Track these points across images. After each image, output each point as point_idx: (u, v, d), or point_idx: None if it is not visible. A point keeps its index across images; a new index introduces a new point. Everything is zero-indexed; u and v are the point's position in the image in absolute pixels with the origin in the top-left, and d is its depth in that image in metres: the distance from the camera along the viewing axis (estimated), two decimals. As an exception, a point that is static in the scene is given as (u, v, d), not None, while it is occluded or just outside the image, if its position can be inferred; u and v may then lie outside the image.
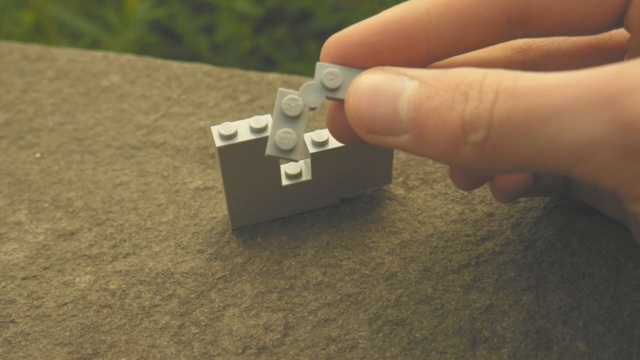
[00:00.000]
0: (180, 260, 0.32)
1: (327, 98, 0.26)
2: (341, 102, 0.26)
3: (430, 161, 0.36)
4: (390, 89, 0.23)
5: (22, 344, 0.30)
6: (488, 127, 0.21)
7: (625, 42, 0.28)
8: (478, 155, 0.22)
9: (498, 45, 0.29)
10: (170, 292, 0.31)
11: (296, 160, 0.26)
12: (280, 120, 0.26)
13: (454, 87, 0.22)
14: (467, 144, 0.22)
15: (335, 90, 0.26)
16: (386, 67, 0.24)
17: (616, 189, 0.21)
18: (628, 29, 0.25)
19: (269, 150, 0.26)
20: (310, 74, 0.57)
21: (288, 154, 0.26)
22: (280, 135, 0.26)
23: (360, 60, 0.26)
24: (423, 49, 0.26)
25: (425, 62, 0.26)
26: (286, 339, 0.29)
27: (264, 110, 0.39)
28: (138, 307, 0.31)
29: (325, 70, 0.26)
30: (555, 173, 0.22)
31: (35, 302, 0.31)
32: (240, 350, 0.29)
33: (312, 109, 0.26)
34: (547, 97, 0.21)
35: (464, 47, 0.26)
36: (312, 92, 0.26)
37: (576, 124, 0.20)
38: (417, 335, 0.29)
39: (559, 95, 0.21)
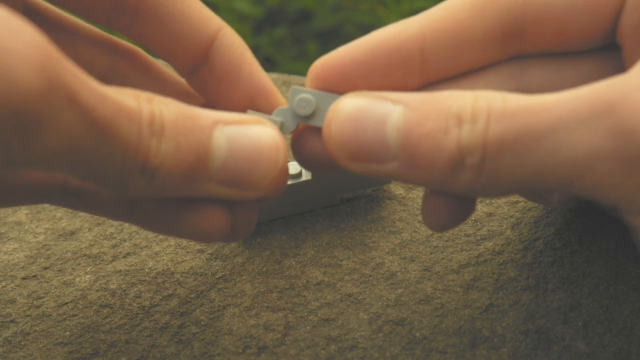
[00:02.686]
0: (180, 260, 0.32)
1: (303, 124, 0.25)
2: (317, 129, 0.25)
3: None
4: (375, 114, 0.22)
5: (22, 343, 0.30)
6: (483, 150, 0.21)
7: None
8: (474, 180, 0.22)
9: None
10: (170, 292, 0.31)
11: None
12: (293, 117, 0.25)
13: (446, 111, 0.22)
14: (464, 168, 0.22)
15: (309, 117, 0.25)
16: (365, 92, 0.23)
17: (617, 203, 0.21)
18: (620, 42, 0.25)
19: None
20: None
21: (309, 120, 0.25)
22: (298, 102, 0.25)
23: (350, 83, 0.25)
24: (417, 69, 0.25)
25: (419, 85, 0.25)
26: (286, 339, 0.29)
27: (264, 110, 0.39)
28: (138, 307, 0.31)
29: (297, 96, 0.25)
30: (554, 190, 0.22)
31: (35, 302, 0.31)
32: (240, 350, 0.29)
33: (288, 133, 0.26)
34: (541, 115, 0.20)
35: (460, 64, 0.25)
36: (286, 117, 0.25)
37: (572, 138, 0.20)
38: (417, 334, 0.29)
39: (553, 112, 0.20)
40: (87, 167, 0.21)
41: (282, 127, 0.25)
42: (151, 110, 0.21)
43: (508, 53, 0.26)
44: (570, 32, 0.25)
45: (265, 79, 0.27)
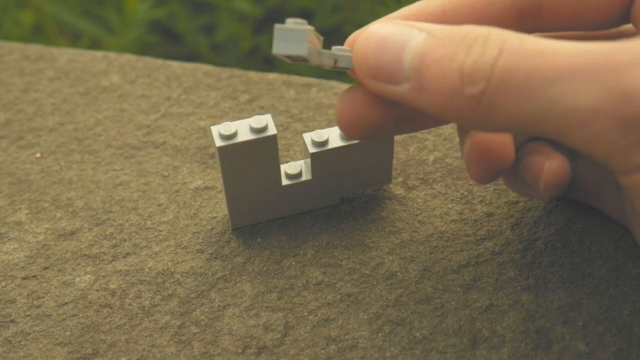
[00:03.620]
0: (180, 260, 0.32)
1: (333, 67, 0.26)
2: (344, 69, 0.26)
3: (430, 161, 0.36)
4: (398, 39, 0.24)
5: (22, 343, 0.30)
6: (487, 81, 0.22)
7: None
8: (473, 109, 0.22)
9: None
10: (170, 292, 0.31)
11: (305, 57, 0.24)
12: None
13: (458, 40, 0.23)
14: (462, 96, 0.22)
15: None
16: (398, 20, 0.25)
17: (608, 159, 0.22)
18: (634, 23, 0.26)
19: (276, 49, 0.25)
20: (310, 73, 0.57)
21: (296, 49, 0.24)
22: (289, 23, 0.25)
23: None
24: None
25: None
26: (286, 339, 0.29)
27: (264, 110, 0.39)
28: (138, 307, 0.31)
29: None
30: (548, 137, 0.23)
31: (35, 302, 0.31)
32: (240, 350, 0.29)
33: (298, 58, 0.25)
34: (552, 60, 0.21)
35: None
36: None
37: (577, 90, 0.21)
38: (417, 335, 0.29)
39: (564, 60, 0.21)
40: None
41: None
42: None
43: (526, 30, 0.26)
44: (585, 12, 0.26)
45: None
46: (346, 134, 0.27)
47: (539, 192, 0.29)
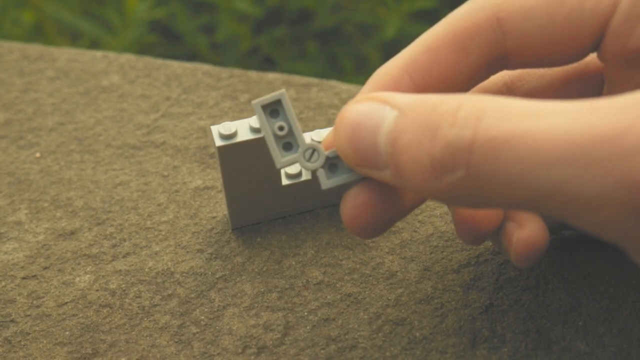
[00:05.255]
0: (180, 260, 0.32)
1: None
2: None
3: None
4: (371, 121, 0.22)
5: (22, 343, 0.30)
6: (466, 168, 0.20)
7: (602, 67, 0.27)
8: (457, 195, 0.21)
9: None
10: (170, 292, 0.31)
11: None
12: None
13: (425, 120, 0.21)
14: (441, 183, 0.21)
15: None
16: (373, 94, 0.23)
17: (621, 243, 0.20)
18: (602, 61, 0.25)
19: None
20: (310, 73, 0.57)
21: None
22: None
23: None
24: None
25: None
26: (286, 339, 0.29)
27: (264, 110, 0.39)
28: (138, 307, 0.31)
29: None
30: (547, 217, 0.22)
31: (35, 302, 0.31)
32: (240, 350, 0.29)
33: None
34: (546, 142, 0.19)
35: (449, 91, 0.25)
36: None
37: (581, 176, 0.19)
38: (417, 334, 0.29)
39: (560, 140, 0.19)
40: None
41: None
42: None
43: (494, 72, 0.26)
44: (551, 55, 0.25)
45: None
46: (361, 236, 0.26)
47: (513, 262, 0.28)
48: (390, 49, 0.77)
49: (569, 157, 0.19)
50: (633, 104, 0.19)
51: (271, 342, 0.29)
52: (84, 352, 0.29)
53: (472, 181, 0.20)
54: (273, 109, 0.24)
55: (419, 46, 0.25)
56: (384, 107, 0.22)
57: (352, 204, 0.24)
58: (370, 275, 0.31)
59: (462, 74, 0.25)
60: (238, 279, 0.32)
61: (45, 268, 0.32)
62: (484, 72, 0.26)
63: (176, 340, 0.30)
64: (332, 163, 0.25)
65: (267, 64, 0.85)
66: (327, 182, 0.24)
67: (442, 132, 0.20)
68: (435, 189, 0.21)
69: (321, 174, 0.24)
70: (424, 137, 0.21)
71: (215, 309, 0.31)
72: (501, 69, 0.26)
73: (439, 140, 0.20)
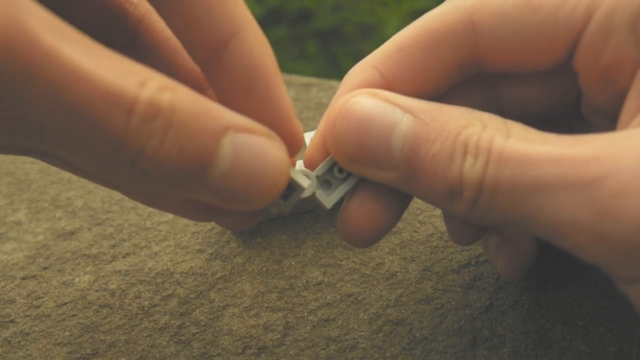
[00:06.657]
0: (179, 260, 0.32)
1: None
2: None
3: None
4: (383, 121, 0.22)
5: (22, 343, 0.30)
6: (479, 189, 0.21)
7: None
8: (466, 210, 0.22)
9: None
10: (170, 292, 0.31)
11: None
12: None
13: (454, 135, 0.22)
14: (461, 198, 0.22)
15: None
16: (375, 91, 0.23)
17: (601, 266, 0.21)
18: (577, 71, 0.25)
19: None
20: (310, 73, 0.57)
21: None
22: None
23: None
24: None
25: None
26: (286, 339, 0.29)
27: (263, 110, 0.39)
28: (138, 307, 0.31)
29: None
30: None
31: (34, 302, 0.31)
32: (240, 350, 0.29)
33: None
34: (529, 171, 0.21)
35: (422, 94, 0.25)
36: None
37: (555, 202, 0.20)
38: (417, 335, 0.29)
39: (539, 169, 0.20)
40: (65, 148, 0.18)
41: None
42: (158, 101, 0.18)
43: (467, 75, 0.26)
44: (525, 62, 0.25)
45: (281, 100, 0.24)
46: (360, 247, 0.26)
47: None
48: (390, 49, 0.77)
49: (544, 184, 0.20)
50: (608, 137, 0.20)
51: (271, 343, 0.29)
52: (83, 352, 0.29)
53: (483, 200, 0.21)
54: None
55: (391, 45, 0.25)
56: (394, 109, 0.22)
57: (355, 217, 0.24)
58: (370, 276, 0.31)
59: (434, 74, 0.25)
60: (238, 279, 0.32)
61: (45, 268, 0.32)
62: (457, 74, 0.25)
63: (176, 340, 0.30)
64: (324, 180, 0.25)
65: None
66: (328, 200, 0.24)
67: (470, 153, 0.21)
68: (446, 201, 0.22)
69: (320, 195, 0.24)
70: (456, 154, 0.22)
71: (215, 309, 0.31)
72: (475, 72, 0.26)
73: (468, 161, 0.21)
